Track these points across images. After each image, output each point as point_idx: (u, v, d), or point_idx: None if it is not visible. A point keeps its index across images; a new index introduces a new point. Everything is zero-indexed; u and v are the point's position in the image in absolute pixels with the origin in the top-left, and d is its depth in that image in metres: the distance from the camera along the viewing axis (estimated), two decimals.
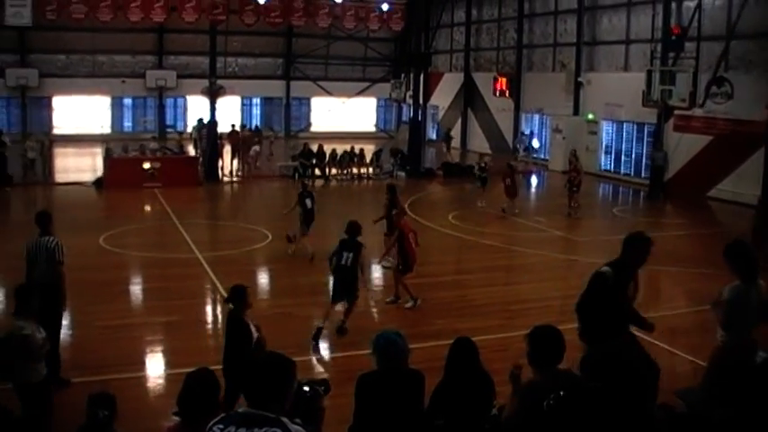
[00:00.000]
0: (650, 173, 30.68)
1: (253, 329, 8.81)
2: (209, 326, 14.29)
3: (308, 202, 18.99)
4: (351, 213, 25.49)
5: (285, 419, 4.20)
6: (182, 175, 29.93)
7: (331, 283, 13.71)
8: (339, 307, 13.36)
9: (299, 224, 18.81)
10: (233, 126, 37.41)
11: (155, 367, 11.82)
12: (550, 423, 5.32)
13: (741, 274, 7.99)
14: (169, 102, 49.35)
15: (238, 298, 8.96)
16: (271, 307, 14.56)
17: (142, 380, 11.18)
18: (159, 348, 12.46)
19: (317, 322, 12.94)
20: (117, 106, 48.23)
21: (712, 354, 8.12)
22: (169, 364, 11.81)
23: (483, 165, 27.67)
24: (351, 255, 13.11)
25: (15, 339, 8.16)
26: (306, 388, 5.17)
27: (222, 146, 33.53)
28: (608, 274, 8.26)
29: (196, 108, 44.31)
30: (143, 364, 11.77)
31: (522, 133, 42.50)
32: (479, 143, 45.61)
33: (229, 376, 8.25)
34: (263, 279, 17.65)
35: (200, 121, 36.90)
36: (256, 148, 34.98)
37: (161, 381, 11.20)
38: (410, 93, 40.21)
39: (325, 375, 11.30)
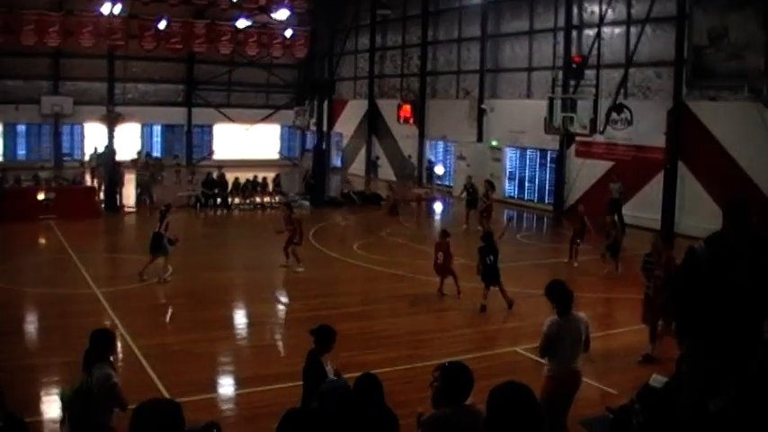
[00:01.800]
0: (608, 206, 27.44)
1: (330, 372, 8.69)
2: None
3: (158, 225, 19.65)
4: (254, 244, 25.56)
5: None
6: (79, 207, 29.15)
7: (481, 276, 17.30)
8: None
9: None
10: (139, 154, 37.01)
11: (53, 411, 11.41)
12: None
13: (557, 309, 9.02)
14: (66, 129, 48.05)
15: (322, 338, 8.88)
16: (171, 344, 14.35)
17: (38, 425, 10.82)
18: (56, 391, 12.04)
19: (482, 302, 16.91)
20: (10, 133, 46.87)
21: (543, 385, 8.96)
22: None
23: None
24: (492, 256, 17.27)
25: (105, 389, 7.78)
26: None
27: (123, 175, 33.02)
28: (698, 250, 6.50)
29: (94, 136, 43.41)
30: (39, 408, 11.38)
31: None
32: (384, 170, 45.91)
33: None
34: (164, 314, 17.35)
35: (96, 149, 36.35)
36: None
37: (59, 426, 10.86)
38: (314, 120, 40.30)
39: (231, 413, 11.24)
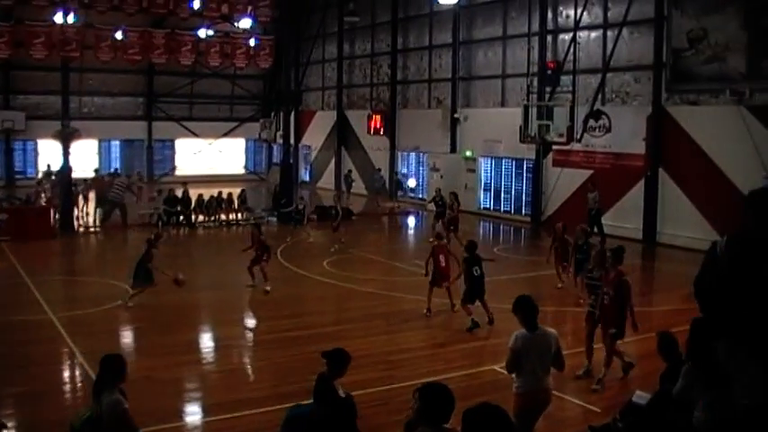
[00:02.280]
0: (588, 217, 28.06)
1: (341, 396, 8.62)
2: (68, 395, 13.78)
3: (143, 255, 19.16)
4: (219, 263, 25.42)
5: None
6: (33, 227, 28.83)
7: (464, 289, 17.15)
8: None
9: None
10: (96, 171, 36.68)
11: None
12: None
13: (524, 324, 9.12)
14: (18, 145, 47.71)
15: (337, 362, 8.74)
16: (133, 371, 14.11)
17: None
18: (11, 425, 11.86)
19: (470, 319, 16.72)
20: None
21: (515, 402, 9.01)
22: None
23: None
24: (478, 267, 16.94)
25: (115, 416, 7.75)
26: None
27: (78, 194, 32.70)
28: (719, 245, 6.17)
29: (48, 152, 43.07)
30: None
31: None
32: (357, 184, 45.78)
33: None
34: (125, 339, 17.16)
35: (49, 167, 36.00)
36: None
37: None
38: (281, 132, 40.21)
39: None
